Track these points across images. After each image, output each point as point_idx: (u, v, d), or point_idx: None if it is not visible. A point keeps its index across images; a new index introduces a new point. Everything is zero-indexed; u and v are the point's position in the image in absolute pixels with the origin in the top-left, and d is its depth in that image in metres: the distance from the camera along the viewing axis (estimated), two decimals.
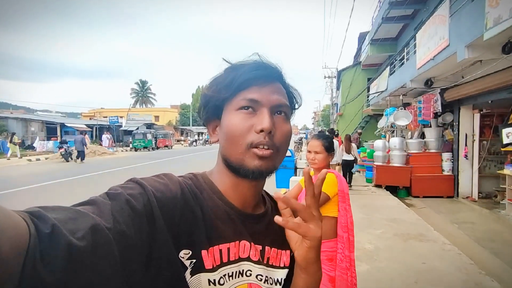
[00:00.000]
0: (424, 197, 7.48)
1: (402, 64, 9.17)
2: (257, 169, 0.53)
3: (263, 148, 0.53)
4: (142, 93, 56.53)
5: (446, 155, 7.52)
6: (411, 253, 3.81)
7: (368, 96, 14.90)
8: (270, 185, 6.08)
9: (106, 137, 23.96)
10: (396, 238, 4.32)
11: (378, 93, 11.45)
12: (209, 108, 0.59)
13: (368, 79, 15.95)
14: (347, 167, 7.84)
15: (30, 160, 15.85)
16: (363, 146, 11.60)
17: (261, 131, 0.52)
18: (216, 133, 0.60)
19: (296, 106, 0.65)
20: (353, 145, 8.04)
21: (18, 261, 0.29)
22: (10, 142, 16.56)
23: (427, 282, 3.09)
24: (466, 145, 7.09)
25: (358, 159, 8.62)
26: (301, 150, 16.67)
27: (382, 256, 3.68)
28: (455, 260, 3.58)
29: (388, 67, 10.40)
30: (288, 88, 0.62)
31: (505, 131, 5.41)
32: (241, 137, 0.53)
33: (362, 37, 17.70)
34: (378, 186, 8.18)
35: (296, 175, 6.44)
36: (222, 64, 0.59)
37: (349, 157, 7.76)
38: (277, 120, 0.56)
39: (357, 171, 10.61)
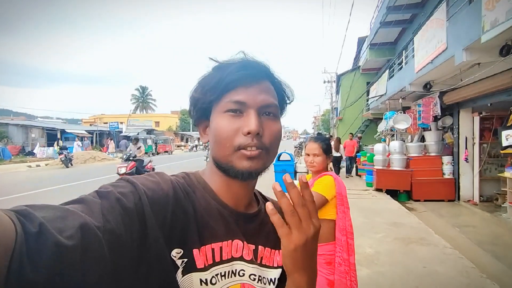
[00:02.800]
0: (425, 200, 7.44)
1: (401, 68, 9.20)
2: (246, 170, 0.53)
3: (251, 149, 0.53)
4: (143, 99, 56.73)
5: (446, 159, 7.50)
6: (412, 257, 3.77)
7: (367, 100, 14.93)
8: (270, 189, 6.05)
9: (77, 145, 21.10)
10: (397, 242, 4.29)
11: (378, 97, 11.48)
12: (198, 110, 0.59)
13: (367, 83, 15.99)
14: (335, 163, 9.95)
15: (30, 166, 15.84)
16: (363, 150, 11.60)
17: (248, 133, 0.52)
18: (207, 133, 0.60)
19: (288, 101, 0.64)
20: (341, 145, 10.51)
21: (3, 261, 0.28)
22: (57, 145, 19.48)
23: (428, 286, 3.06)
24: (466, 148, 7.08)
25: (344, 156, 10.84)
26: (301, 155, 16.66)
27: (383, 260, 3.65)
28: (457, 264, 3.55)
29: (387, 71, 10.44)
30: (278, 84, 0.61)
31: (504, 133, 5.40)
32: (228, 140, 0.53)
33: (361, 42, 17.79)
34: (378, 190, 8.13)
35: (295, 179, 6.43)
36: (210, 64, 0.57)
37: (337, 154, 9.88)
38: (265, 121, 0.55)
39: (351, 175, 11.46)
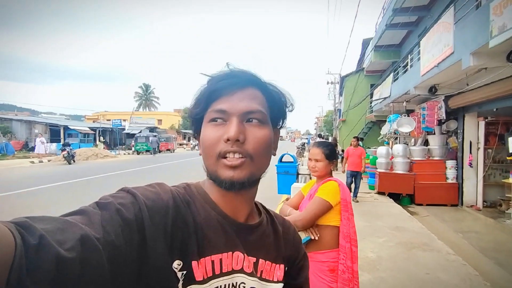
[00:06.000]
0: (427, 205, 7.39)
1: (406, 70, 9.14)
2: (229, 179, 0.53)
3: (233, 157, 0.52)
4: (146, 97, 56.96)
5: (450, 163, 7.45)
6: (414, 263, 3.74)
7: (371, 102, 14.86)
8: (272, 191, 6.04)
9: (40, 141, 19.55)
10: (399, 247, 4.25)
11: (381, 100, 11.42)
12: (193, 122, 0.61)
13: (372, 85, 15.94)
14: None
15: (32, 162, 15.90)
16: (366, 153, 11.50)
17: (228, 140, 0.52)
18: None
19: (288, 109, 0.63)
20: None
21: (2, 273, 0.28)
22: (99, 141, 23.13)
23: None
24: (470, 153, 7.02)
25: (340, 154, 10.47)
26: (303, 156, 16.61)
27: (385, 266, 3.62)
28: (460, 271, 3.51)
29: (392, 73, 10.39)
30: (272, 92, 0.60)
31: (511, 139, 5.34)
32: (211, 148, 0.54)
33: (365, 43, 17.73)
34: (381, 193, 8.09)
35: (298, 181, 6.39)
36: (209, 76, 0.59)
37: None
38: (249, 127, 0.55)
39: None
